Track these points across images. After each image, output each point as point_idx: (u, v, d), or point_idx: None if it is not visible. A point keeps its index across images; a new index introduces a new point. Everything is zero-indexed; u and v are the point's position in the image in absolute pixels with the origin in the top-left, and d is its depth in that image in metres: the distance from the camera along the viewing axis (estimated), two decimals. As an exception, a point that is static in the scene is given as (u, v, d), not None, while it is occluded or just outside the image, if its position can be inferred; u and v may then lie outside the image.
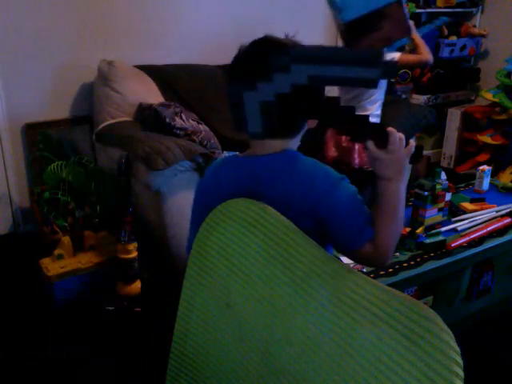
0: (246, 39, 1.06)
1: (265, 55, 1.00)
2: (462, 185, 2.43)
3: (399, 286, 1.62)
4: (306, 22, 3.41)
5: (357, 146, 2.41)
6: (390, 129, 1.01)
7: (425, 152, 3.90)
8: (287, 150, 1.07)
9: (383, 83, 2.50)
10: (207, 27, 3.01)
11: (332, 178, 1.04)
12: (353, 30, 2.23)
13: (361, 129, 1.02)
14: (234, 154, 1.17)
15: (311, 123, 1.10)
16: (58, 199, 2.35)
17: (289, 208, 1.00)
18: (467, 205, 2.13)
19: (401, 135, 1.02)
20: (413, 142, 1.04)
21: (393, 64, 0.93)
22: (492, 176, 2.37)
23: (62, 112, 2.77)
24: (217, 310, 1.01)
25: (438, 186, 1.91)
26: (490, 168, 2.32)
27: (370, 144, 1.01)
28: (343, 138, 2.46)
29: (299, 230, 0.94)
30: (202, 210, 1.17)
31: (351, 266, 1.66)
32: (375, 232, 1.03)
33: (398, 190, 1.04)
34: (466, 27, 3.79)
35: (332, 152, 2.49)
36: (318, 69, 0.95)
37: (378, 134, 1.02)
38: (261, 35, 1.07)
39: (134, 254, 2.11)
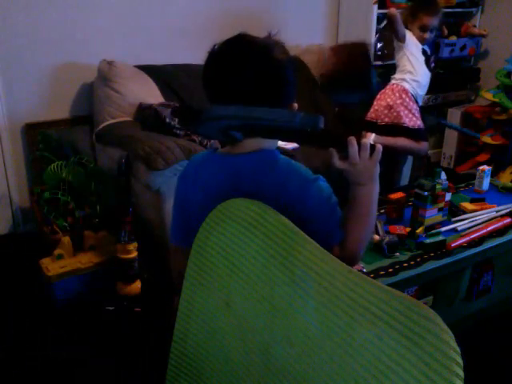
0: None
1: (235, 59, 1.00)
2: (462, 185, 2.42)
3: (399, 285, 1.62)
4: (307, 21, 3.42)
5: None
6: (349, 141, 1.00)
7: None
8: (264, 150, 1.07)
9: (410, 53, 2.84)
10: (208, 27, 3.01)
11: (306, 178, 1.03)
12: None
13: (323, 140, 1.01)
14: (214, 151, 1.16)
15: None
16: (58, 199, 2.35)
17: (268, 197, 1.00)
18: (467, 205, 2.13)
19: (365, 143, 1.00)
20: (380, 147, 1.02)
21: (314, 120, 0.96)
22: (492, 176, 2.36)
23: (62, 112, 2.77)
24: (217, 309, 1.01)
25: (437, 186, 1.91)
26: (490, 168, 2.32)
27: (334, 157, 1.01)
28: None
29: (299, 229, 0.94)
30: (182, 206, 1.20)
31: (351, 265, 1.66)
32: (345, 235, 1.04)
33: (370, 193, 1.04)
34: (466, 27, 3.79)
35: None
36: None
37: (340, 146, 1.00)
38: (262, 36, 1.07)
39: (134, 254, 2.11)
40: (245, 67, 1.00)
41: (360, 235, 1.05)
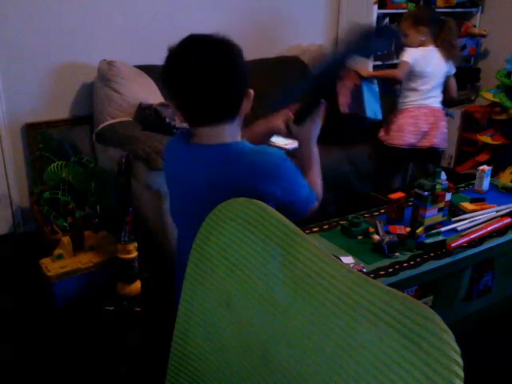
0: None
1: (193, 58, 1.08)
2: (462, 185, 2.42)
3: (399, 285, 1.62)
4: (307, 21, 3.42)
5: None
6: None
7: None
8: (234, 141, 1.14)
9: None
10: (207, 26, 3.00)
11: (278, 161, 1.12)
12: None
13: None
14: (184, 138, 1.20)
15: (246, 108, 1.16)
16: (58, 199, 2.35)
17: (239, 195, 1.04)
18: (467, 205, 2.13)
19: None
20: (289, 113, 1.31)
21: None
22: (492, 176, 2.36)
23: (62, 112, 2.78)
24: (217, 309, 1.01)
25: (437, 186, 1.91)
26: (490, 168, 2.31)
27: (290, 122, 1.31)
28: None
29: (299, 229, 0.94)
30: (169, 190, 1.28)
31: (351, 266, 1.66)
32: (313, 185, 1.25)
33: (315, 149, 1.33)
34: (466, 27, 3.79)
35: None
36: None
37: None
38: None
39: (134, 254, 2.11)
40: (204, 63, 1.07)
41: (318, 180, 1.30)
